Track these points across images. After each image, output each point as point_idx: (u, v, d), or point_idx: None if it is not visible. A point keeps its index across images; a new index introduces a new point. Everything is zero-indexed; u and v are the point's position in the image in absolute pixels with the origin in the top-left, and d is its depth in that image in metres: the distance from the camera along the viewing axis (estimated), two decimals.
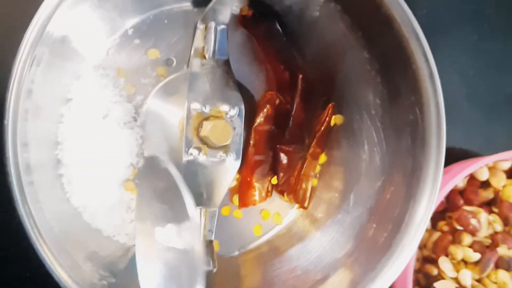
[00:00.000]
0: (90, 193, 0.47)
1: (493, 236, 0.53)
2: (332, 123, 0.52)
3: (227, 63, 0.50)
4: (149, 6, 0.50)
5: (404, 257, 0.43)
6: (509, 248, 0.52)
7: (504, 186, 0.54)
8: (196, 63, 0.49)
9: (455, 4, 0.61)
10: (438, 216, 0.54)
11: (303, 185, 0.52)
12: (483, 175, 0.53)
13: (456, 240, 0.52)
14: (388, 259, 0.43)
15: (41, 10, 0.39)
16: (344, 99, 0.51)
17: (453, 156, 0.57)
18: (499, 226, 0.53)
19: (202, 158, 0.47)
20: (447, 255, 0.52)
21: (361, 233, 0.47)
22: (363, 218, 0.47)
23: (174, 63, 0.51)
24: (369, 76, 0.47)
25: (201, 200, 0.49)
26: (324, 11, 0.48)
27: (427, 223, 0.42)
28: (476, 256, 0.51)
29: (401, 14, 0.42)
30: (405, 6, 0.42)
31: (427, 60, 0.41)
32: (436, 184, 0.42)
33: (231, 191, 0.53)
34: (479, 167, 0.52)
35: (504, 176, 0.54)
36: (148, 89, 0.51)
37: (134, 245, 0.49)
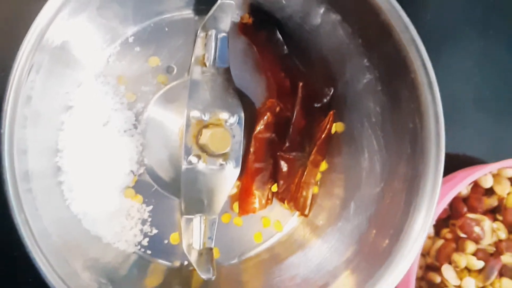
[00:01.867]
0: (90, 200, 0.47)
1: (497, 244, 0.53)
2: (333, 130, 0.52)
3: (227, 71, 0.50)
4: (150, 14, 0.50)
5: (403, 265, 0.42)
6: None
7: (508, 194, 0.53)
8: (196, 70, 0.49)
9: (460, 10, 0.61)
10: (441, 224, 0.54)
11: (304, 193, 0.52)
12: (487, 183, 0.53)
13: (460, 248, 0.52)
14: (387, 267, 0.42)
15: (40, 16, 0.39)
16: (345, 107, 0.51)
17: (458, 163, 0.56)
18: (503, 234, 0.52)
19: (201, 165, 0.47)
20: (450, 263, 0.52)
21: (361, 241, 0.47)
22: (363, 226, 0.47)
23: (175, 70, 0.51)
24: (370, 84, 0.47)
25: (201, 207, 0.49)
26: (324, 19, 0.48)
27: (426, 231, 0.42)
28: (480, 264, 0.51)
29: (399, 22, 0.42)
30: (404, 14, 0.42)
31: (426, 69, 0.41)
32: (434, 193, 0.42)
33: (231, 199, 0.53)
34: (483, 174, 0.52)
35: (508, 183, 0.53)
36: (149, 96, 0.51)
37: (134, 252, 0.49)
